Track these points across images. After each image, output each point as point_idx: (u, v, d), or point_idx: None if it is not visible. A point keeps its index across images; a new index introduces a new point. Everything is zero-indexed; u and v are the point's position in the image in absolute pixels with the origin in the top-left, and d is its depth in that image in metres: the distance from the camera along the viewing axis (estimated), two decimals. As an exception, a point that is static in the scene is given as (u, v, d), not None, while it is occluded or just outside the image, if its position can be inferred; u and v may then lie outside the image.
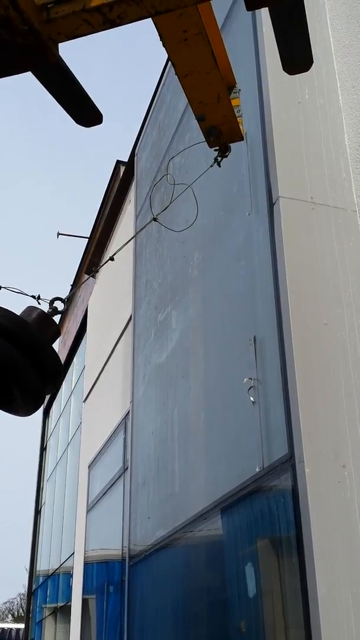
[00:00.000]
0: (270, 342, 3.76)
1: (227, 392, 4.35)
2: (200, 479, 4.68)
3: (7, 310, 2.51)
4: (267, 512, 3.60)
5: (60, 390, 15.51)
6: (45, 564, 14.64)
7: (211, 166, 3.75)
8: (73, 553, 10.62)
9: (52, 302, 2.76)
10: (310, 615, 2.95)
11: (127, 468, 6.78)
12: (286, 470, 3.35)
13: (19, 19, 2.18)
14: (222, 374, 4.53)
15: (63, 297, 2.78)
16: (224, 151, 3.74)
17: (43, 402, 2.65)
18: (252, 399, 3.84)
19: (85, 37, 2.33)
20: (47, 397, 16.87)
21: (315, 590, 2.93)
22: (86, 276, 11.85)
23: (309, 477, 3.15)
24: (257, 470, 3.66)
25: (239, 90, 3.80)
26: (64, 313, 15.69)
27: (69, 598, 10.78)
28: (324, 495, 3.14)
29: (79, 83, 2.81)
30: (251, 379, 3.89)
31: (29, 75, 2.73)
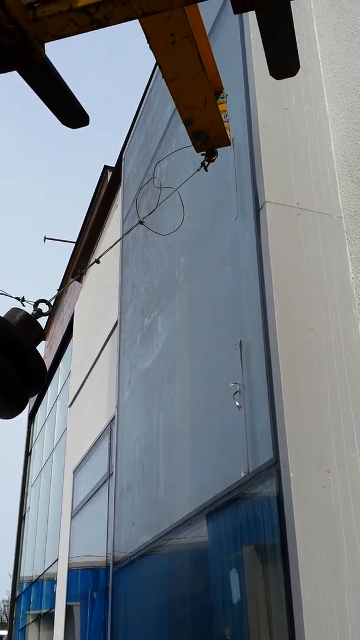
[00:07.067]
0: (255, 347, 3.76)
1: (213, 397, 4.34)
2: (185, 484, 4.66)
3: (-10, 311, 2.49)
4: (252, 517, 3.59)
5: (46, 395, 15.43)
6: (29, 570, 14.53)
7: (198, 170, 3.74)
8: (57, 559, 10.55)
9: (36, 304, 2.73)
10: (295, 621, 2.94)
11: (112, 473, 6.74)
12: (271, 475, 3.34)
13: (5, 17, 2.17)
14: (207, 379, 4.52)
15: (48, 299, 2.75)
16: (210, 156, 3.73)
17: (26, 404, 2.62)
18: (237, 403, 3.83)
19: (75, 42, 2.32)
20: (32, 402, 16.81)
21: (300, 595, 2.92)
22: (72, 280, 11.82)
23: (294, 482, 3.14)
24: (242, 475, 3.65)
25: (226, 95, 3.79)
26: (50, 317, 15.61)
27: (52, 605, 10.70)
28: (309, 500, 3.13)
29: (65, 84, 2.80)
30: (236, 383, 3.88)
31: (16, 77, 2.72)
